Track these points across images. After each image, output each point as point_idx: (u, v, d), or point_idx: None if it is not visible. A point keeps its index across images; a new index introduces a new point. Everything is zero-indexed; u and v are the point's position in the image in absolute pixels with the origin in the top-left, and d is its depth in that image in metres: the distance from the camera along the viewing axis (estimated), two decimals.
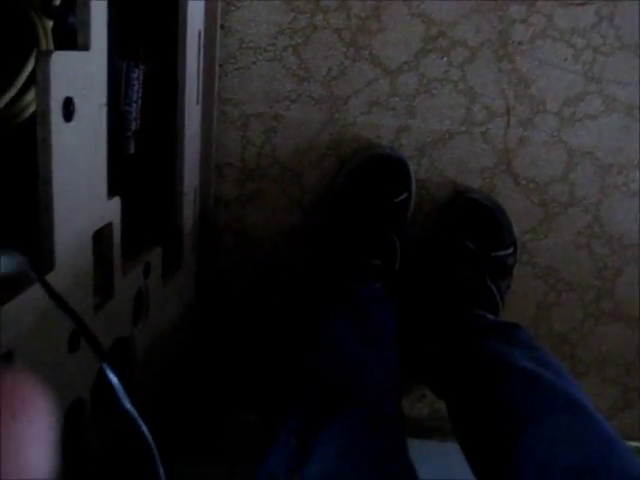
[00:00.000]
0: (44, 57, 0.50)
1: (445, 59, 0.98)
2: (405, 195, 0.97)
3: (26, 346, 0.52)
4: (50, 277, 0.53)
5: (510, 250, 0.99)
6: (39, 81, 0.50)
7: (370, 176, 0.96)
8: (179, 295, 0.95)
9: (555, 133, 1.01)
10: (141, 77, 0.81)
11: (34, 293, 0.51)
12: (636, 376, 1.13)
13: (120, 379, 0.51)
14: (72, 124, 0.54)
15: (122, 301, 0.71)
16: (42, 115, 0.51)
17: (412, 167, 1.00)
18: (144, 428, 0.47)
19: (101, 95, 0.60)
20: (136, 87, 0.81)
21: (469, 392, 0.79)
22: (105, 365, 0.49)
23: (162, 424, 0.52)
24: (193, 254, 0.98)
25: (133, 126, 0.82)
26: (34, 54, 0.52)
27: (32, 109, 0.64)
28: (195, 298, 1.03)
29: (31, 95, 0.64)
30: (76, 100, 0.54)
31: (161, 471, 0.48)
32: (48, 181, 0.52)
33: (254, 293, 1.07)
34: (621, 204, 1.04)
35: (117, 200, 0.66)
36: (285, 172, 1.02)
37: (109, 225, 0.65)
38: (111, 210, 0.65)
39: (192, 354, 1.06)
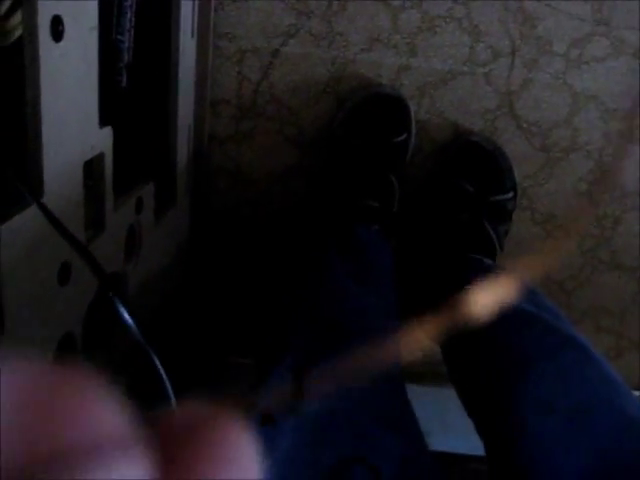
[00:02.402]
0: None
1: None
2: (404, 136, 0.95)
3: (16, 278, 0.50)
4: None
5: (510, 195, 0.97)
6: None
7: (369, 115, 0.93)
8: (172, 234, 0.93)
9: (560, 75, 0.98)
10: (134, 6, 0.78)
11: (23, 220, 0.49)
12: (630, 325, 1.13)
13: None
14: (61, 44, 0.51)
15: (114, 236, 0.69)
16: (30, 33, 0.48)
17: (412, 107, 0.97)
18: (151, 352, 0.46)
19: (92, 18, 0.57)
20: (129, 15, 0.77)
21: (466, 335, 0.78)
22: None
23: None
24: (186, 193, 0.96)
25: (126, 58, 0.78)
26: None
27: (19, 32, 0.61)
28: (188, 238, 1.01)
29: (18, 18, 0.61)
30: (65, 20, 0.52)
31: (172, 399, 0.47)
32: (36, 102, 0.49)
33: (249, 234, 1.06)
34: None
35: (109, 130, 0.64)
36: (282, 110, 0.99)
37: (101, 155, 0.63)
38: (103, 140, 0.63)
39: (185, 296, 1.05)
